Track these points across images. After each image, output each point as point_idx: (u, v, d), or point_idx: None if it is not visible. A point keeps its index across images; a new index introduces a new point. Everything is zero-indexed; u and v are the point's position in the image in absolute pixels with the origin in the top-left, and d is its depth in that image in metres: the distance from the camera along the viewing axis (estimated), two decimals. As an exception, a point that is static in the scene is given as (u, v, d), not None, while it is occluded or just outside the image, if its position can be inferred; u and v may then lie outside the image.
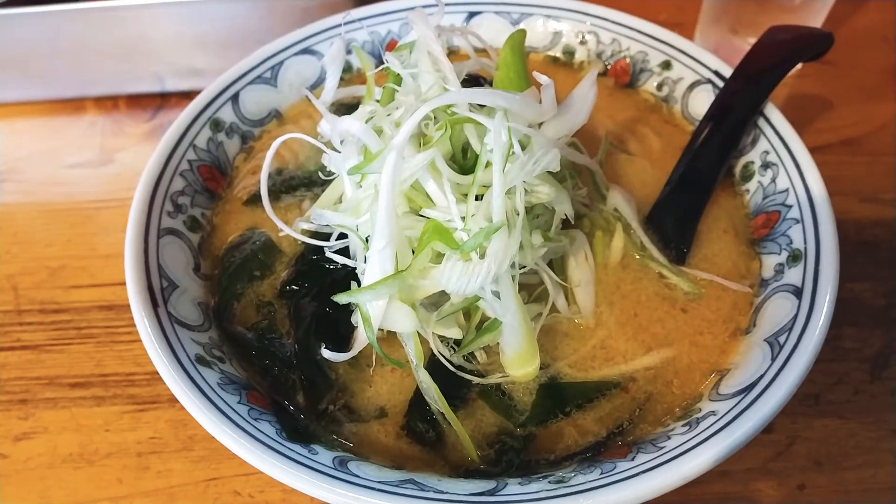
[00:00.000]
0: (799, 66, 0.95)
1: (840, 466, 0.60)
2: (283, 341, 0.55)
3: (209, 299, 0.58)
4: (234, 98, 0.69)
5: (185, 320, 0.53)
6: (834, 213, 0.55)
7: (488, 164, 0.50)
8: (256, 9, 0.87)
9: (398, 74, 0.55)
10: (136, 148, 0.92)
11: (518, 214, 0.49)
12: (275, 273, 0.60)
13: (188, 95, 0.97)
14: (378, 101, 0.57)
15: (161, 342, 0.49)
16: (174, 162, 0.62)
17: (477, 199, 0.50)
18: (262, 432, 0.45)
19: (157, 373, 0.66)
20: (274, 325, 0.56)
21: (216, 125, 0.67)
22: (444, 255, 0.50)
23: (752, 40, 0.95)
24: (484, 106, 0.52)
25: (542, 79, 0.51)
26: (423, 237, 0.49)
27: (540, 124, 0.54)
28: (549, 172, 0.52)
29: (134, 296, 0.51)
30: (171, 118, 0.96)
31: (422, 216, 0.51)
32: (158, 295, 0.53)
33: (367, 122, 0.53)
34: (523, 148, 0.50)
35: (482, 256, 0.48)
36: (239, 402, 0.47)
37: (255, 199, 0.66)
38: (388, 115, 0.53)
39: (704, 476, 0.58)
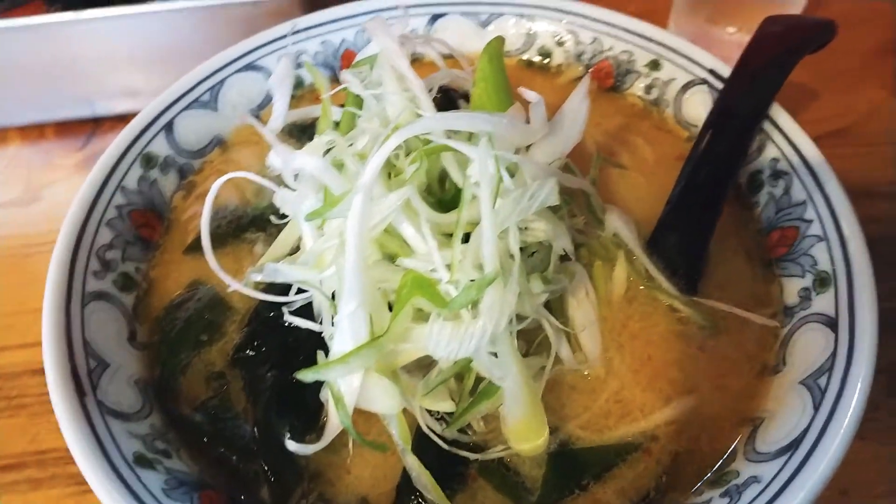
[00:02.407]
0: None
1: (868, 494, 0.55)
2: (240, 422, 0.46)
3: (148, 374, 0.49)
4: (168, 127, 0.60)
5: (118, 408, 0.44)
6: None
7: (473, 198, 0.42)
8: (194, 20, 0.78)
9: (358, 96, 0.47)
10: (68, 181, 0.82)
11: (513, 258, 0.41)
12: (225, 336, 0.51)
13: (124, 119, 0.87)
14: (336, 126, 0.48)
15: (90, 443, 0.40)
16: (99, 209, 0.52)
17: (464, 242, 0.42)
18: (221, 552, 0.37)
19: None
20: (228, 402, 0.47)
21: (148, 161, 0.58)
22: (425, 312, 0.42)
23: (732, 30, 0.91)
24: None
25: (531, 95, 0.43)
26: (402, 293, 0.41)
27: (528, 147, 0.46)
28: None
29: (54, 385, 0.42)
30: (104, 145, 0.84)
31: (398, 267, 0.43)
32: (85, 380, 0.43)
33: (325, 154, 0.44)
34: (511, 176, 0.42)
35: (474, 314, 0.40)
36: (190, 511, 0.39)
37: (197, 246, 0.56)
38: (350, 145, 0.45)
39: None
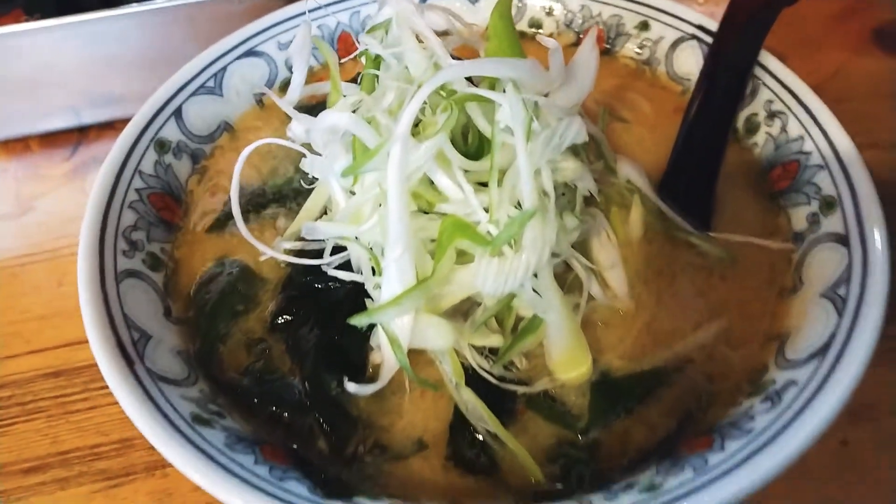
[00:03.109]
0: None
1: (877, 414, 0.58)
2: (288, 381, 0.47)
3: (189, 347, 0.49)
4: (178, 113, 0.60)
5: (168, 375, 0.44)
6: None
7: (503, 146, 0.44)
8: (172, 21, 0.78)
9: (377, 57, 0.48)
10: (58, 192, 0.82)
11: (549, 197, 0.43)
12: (260, 305, 0.52)
13: (110, 126, 0.87)
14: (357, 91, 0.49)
15: (147, 406, 0.40)
16: (120, 192, 0.53)
17: (497, 186, 0.44)
18: (293, 494, 0.37)
19: (128, 440, 0.58)
20: (272, 365, 0.48)
21: (161, 146, 0.58)
22: (466, 255, 0.44)
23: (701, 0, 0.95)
24: (478, 84, 0.46)
25: (550, 42, 0.45)
26: (443, 237, 0.42)
27: (546, 95, 0.48)
28: (569, 146, 0.46)
29: (103, 356, 0.42)
30: (94, 154, 0.86)
31: (434, 214, 0.45)
32: (131, 350, 0.43)
33: (353, 113, 0.45)
34: (536, 120, 0.44)
35: (516, 250, 0.42)
36: (256, 463, 0.39)
37: (219, 225, 0.57)
38: (377, 103, 0.46)
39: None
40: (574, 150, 0.50)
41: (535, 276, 0.43)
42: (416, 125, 0.47)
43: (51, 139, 0.86)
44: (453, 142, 0.48)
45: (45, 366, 0.64)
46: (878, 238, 0.46)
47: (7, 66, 0.77)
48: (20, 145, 0.86)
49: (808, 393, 0.40)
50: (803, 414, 0.39)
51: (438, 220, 0.44)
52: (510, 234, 0.41)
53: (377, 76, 0.48)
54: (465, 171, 0.45)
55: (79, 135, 0.88)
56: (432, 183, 0.45)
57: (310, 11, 0.68)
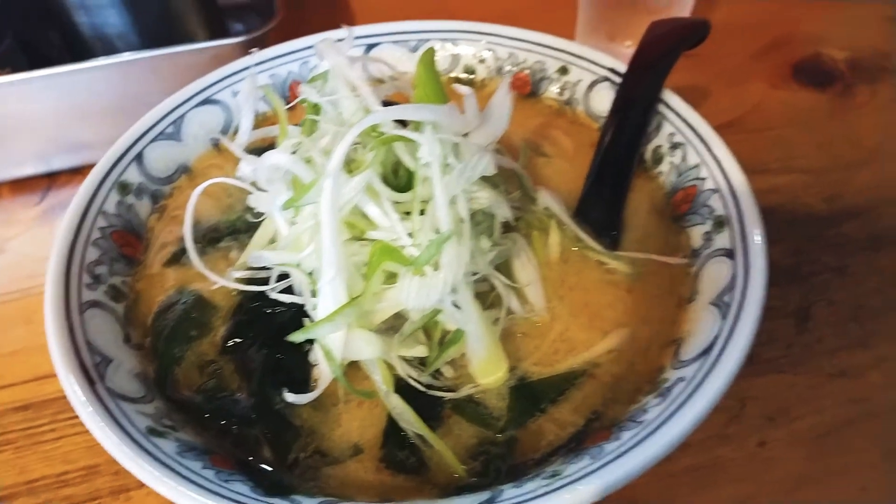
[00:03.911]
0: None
1: (790, 417, 0.64)
2: (237, 397, 0.51)
3: (147, 369, 0.53)
4: (139, 157, 0.66)
5: (126, 394, 0.48)
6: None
7: (425, 180, 0.50)
8: (138, 70, 0.84)
9: (316, 105, 0.55)
10: (29, 234, 0.86)
11: (463, 221, 0.49)
12: (213, 330, 0.56)
13: (79, 171, 0.92)
14: (298, 133, 0.56)
15: (106, 419, 0.44)
16: (85, 231, 0.58)
17: (420, 214, 0.50)
18: (237, 492, 0.42)
19: (93, 466, 0.62)
20: (223, 383, 0.53)
21: (123, 188, 0.63)
22: (394, 276, 0.50)
23: (629, 44, 1.03)
24: (407, 125, 0.52)
25: (464, 90, 0.52)
26: (373, 259, 0.48)
27: (465, 135, 0.54)
28: (485, 178, 0.52)
29: (66, 376, 0.47)
30: (62, 198, 0.91)
31: (365, 240, 0.50)
32: (93, 371, 0.48)
33: (293, 154, 0.51)
34: (456, 159, 0.50)
35: (436, 269, 0.47)
36: (204, 468, 0.44)
37: (176, 259, 0.62)
38: (314, 144, 0.52)
39: (670, 453, 0.61)
40: (493, 183, 0.56)
41: (455, 291, 0.48)
42: (350, 163, 0.53)
43: (21, 185, 0.91)
44: (386, 177, 0.54)
45: (14, 400, 0.67)
46: (757, 252, 0.53)
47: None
48: (-9, 192, 0.90)
49: (692, 387, 0.46)
50: (686, 405, 0.44)
51: (369, 245, 0.50)
52: (430, 255, 0.46)
53: (316, 121, 0.54)
54: (396, 203, 0.51)
55: (48, 180, 0.92)
56: (364, 213, 0.51)
57: (262, 63, 0.75)
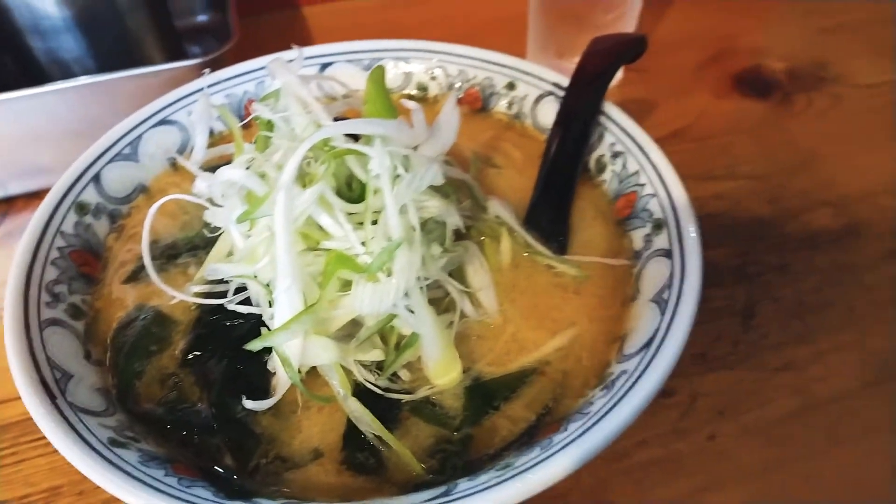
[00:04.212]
0: (621, 74, 1.07)
1: (739, 411, 0.67)
2: (198, 408, 0.52)
3: (107, 384, 0.54)
4: (96, 178, 0.67)
5: (88, 408, 0.49)
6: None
7: (376, 191, 0.52)
8: (95, 94, 0.84)
9: (269, 121, 0.57)
10: (-11, 257, 0.86)
11: (414, 229, 0.51)
12: (172, 344, 0.57)
13: (37, 195, 0.92)
14: (252, 150, 0.57)
15: (66, 430, 0.45)
16: (43, 250, 0.58)
17: (372, 224, 0.52)
18: (199, 497, 0.43)
19: (56, 488, 0.62)
20: (183, 395, 0.54)
21: (81, 208, 0.64)
22: (349, 284, 0.51)
23: (577, 59, 1.08)
24: (359, 140, 0.54)
25: (411, 104, 0.54)
26: (328, 267, 0.50)
27: (415, 148, 0.57)
28: (435, 188, 0.55)
29: (26, 391, 0.47)
30: (19, 223, 0.91)
31: (319, 250, 0.52)
32: (54, 387, 0.49)
33: (247, 169, 0.53)
34: (406, 170, 0.52)
35: (389, 275, 0.49)
36: (166, 475, 0.45)
37: (134, 276, 0.63)
38: (267, 160, 0.54)
39: (626, 448, 0.63)
40: (443, 192, 0.59)
41: (409, 296, 0.50)
42: (304, 177, 0.55)
43: (-22, 210, 0.90)
44: (340, 189, 0.56)
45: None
46: (692, 250, 0.56)
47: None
48: (-52, 216, 0.90)
49: (633, 378, 0.49)
50: (627, 395, 0.47)
51: (324, 255, 0.52)
52: (382, 261, 0.48)
53: (269, 137, 0.56)
54: (349, 214, 0.53)
55: (6, 205, 0.92)
56: (318, 224, 0.53)
57: (218, 83, 0.76)
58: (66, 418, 0.46)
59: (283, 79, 0.57)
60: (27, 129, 0.84)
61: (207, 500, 0.43)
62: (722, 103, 1.09)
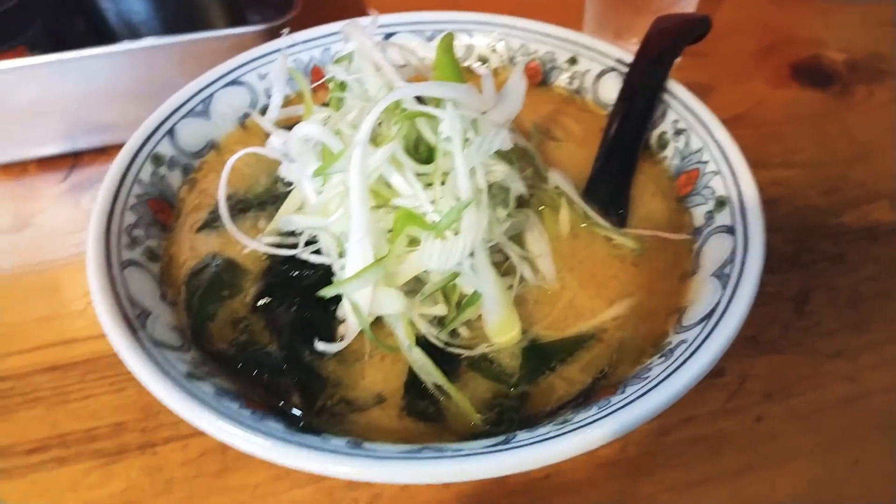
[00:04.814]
0: (679, 58, 1.06)
1: (788, 394, 0.67)
2: (268, 350, 0.55)
3: (182, 324, 0.57)
4: (171, 132, 0.69)
5: (166, 342, 0.52)
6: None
7: (446, 153, 0.53)
8: (161, 55, 0.87)
9: (343, 82, 0.58)
10: (53, 209, 0.89)
11: (481, 191, 0.52)
12: (243, 291, 0.60)
13: (103, 151, 0.95)
14: (326, 110, 0.59)
15: (148, 363, 0.48)
16: (122, 196, 0.61)
17: (441, 185, 0.53)
18: (272, 428, 0.45)
19: (121, 423, 0.65)
20: (254, 338, 0.56)
21: (157, 159, 0.67)
22: (416, 241, 0.53)
23: (635, 41, 1.07)
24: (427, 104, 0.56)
25: (482, 70, 0.56)
26: (398, 224, 0.51)
27: (483, 113, 0.58)
28: (500, 154, 0.56)
29: (110, 325, 0.50)
30: (87, 175, 0.94)
31: (389, 208, 0.54)
32: (134, 321, 0.51)
33: (324, 126, 0.55)
34: (475, 134, 0.54)
35: (456, 233, 0.51)
36: (240, 408, 0.47)
37: (206, 226, 0.66)
38: (343, 118, 0.56)
39: (673, 423, 0.64)
40: (508, 159, 0.60)
41: (473, 256, 0.52)
42: (375, 137, 0.56)
43: (48, 163, 0.94)
44: (408, 151, 0.58)
45: (42, 361, 0.70)
46: (756, 227, 0.57)
47: (10, 97, 0.85)
48: (19, 168, 0.93)
49: (693, 347, 0.49)
50: (687, 363, 0.48)
51: (393, 213, 0.54)
52: (451, 220, 0.50)
53: (342, 98, 0.58)
54: (419, 175, 0.55)
55: (73, 159, 0.95)
56: (389, 183, 0.55)
57: (289, 48, 0.78)
58: (147, 350, 0.49)
59: (358, 41, 0.58)
60: (96, 86, 0.87)
61: (280, 431, 0.45)
62: (779, 92, 1.07)
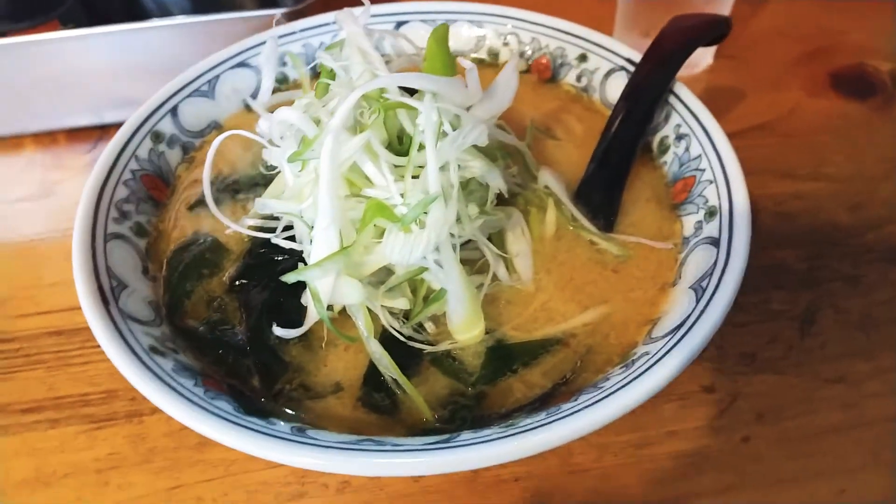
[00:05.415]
0: (711, 60, 1.03)
1: (780, 417, 0.64)
2: (236, 330, 0.56)
3: (159, 299, 0.59)
4: (173, 111, 0.71)
5: (136, 316, 0.53)
6: (749, 187, 0.59)
7: (421, 146, 0.53)
8: (190, 34, 0.89)
9: (331, 70, 0.58)
10: (77, 179, 0.92)
11: (453, 187, 0.52)
12: (223, 270, 0.61)
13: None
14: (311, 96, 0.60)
15: (113, 334, 0.49)
16: (117, 171, 0.63)
17: (414, 178, 0.53)
18: (219, 408, 0.46)
19: (113, 391, 0.68)
20: (225, 318, 0.57)
21: (157, 137, 0.69)
22: (384, 232, 0.53)
23: (664, 41, 1.04)
24: (415, 95, 0.55)
25: (466, 63, 0.55)
26: (366, 214, 0.51)
27: (468, 109, 0.57)
28: (480, 149, 0.55)
29: (84, 295, 0.52)
30: (111, 149, 0.97)
31: (362, 198, 0.54)
32: (108, 294, 0.53)
33: (304, 113, 0.55)
34: (454, 129, 0.53)
35: (422, 227, 0.51)
36: (195, 385, 0.48)
37: (199, 205, 0.67)
38: (324, 105, 0.56)
39: (655, 436, 0.62)
40: (491, 155, 0.59)
41: (439, 251, 0.51)
42: (357, 126, 0.56)
43: (76, 134, 0.97)
44: (391, 142, 0.57)
45: (49, 325, 0.74)
46: (740, 241, 0.54)
47: (42, 69, 0.88)
48: (48, 138, 0.97)
49: (653, 360, 0.48)
50: (643, 376, 0.46)
51: (364, 202, 0.54)
52: (415, 213, 0.50)
53: (329, 85, 0.58)
54: (396, 167, 0.55)
55: (100, 132, 0.99)
56: (363, 172, 0.55)
57: (296, 33, 0.79)
58: (114, 321, 0.51)
59: (349, 29, 0.58)
60: (125, 62, 0.90)
61: (227, 412, 0.46)
62: (815, 101, 1.02)
